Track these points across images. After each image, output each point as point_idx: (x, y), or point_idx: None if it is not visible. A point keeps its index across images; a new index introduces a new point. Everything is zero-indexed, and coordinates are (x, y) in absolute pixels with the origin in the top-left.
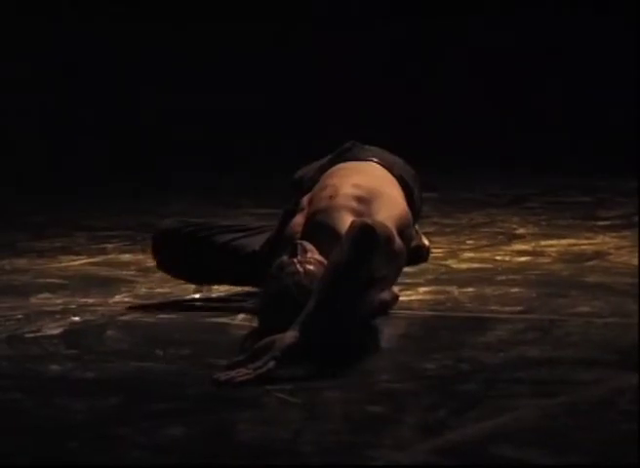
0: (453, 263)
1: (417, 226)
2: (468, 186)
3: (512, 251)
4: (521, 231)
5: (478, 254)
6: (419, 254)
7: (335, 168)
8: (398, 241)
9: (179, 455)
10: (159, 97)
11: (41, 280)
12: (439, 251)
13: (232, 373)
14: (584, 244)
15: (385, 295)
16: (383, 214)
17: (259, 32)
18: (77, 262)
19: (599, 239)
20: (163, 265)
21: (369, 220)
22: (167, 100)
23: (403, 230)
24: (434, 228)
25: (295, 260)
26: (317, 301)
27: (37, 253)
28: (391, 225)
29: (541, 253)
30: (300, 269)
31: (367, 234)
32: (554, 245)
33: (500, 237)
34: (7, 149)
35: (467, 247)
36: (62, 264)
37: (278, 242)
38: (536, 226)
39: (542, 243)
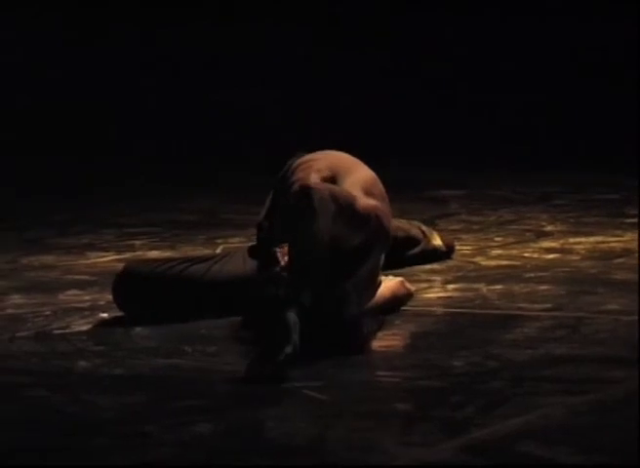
0: (481, 260)
1: (424, 227)
2: (496, 184)
3: (540, 248)
4: (549, 228)
5: (506, 252)
6: (434, 255)
7: (292, 167)
8: (365, 202)
9: (206, 453)
10: (182, 93)
11: (69, 276)
12: (467, 248)
13: (257, 368)
14: (613, 241)
15: (398, 289)
16: (347, 181)
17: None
18: (105, 259)
19: (627, 236)
20: (131, 309)
21: (307, 182)
22: (190, 95)
23: (372, 190)
24: (462, 225)
25: (276, 269)
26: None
27: (65, 249)
28: (356, 188)
29: (570, 251)
30: (285, 273)
31: (302, 197)
32: (582, 242)
33: (529, 234)
34: (31, 146)
35: (495, 244)
36: (90, 261)
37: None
38: (564, 224)
39: (571, 240)
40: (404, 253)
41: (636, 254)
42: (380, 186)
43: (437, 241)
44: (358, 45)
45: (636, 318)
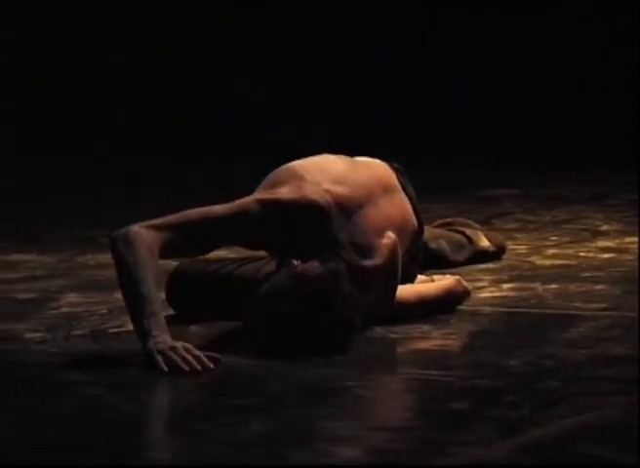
0: (536, 260)
1: (468, 231)
2: (551, 183)
3: (596, 247)
4: (605, 228)
5: (561, 251)
6: (483, 257)
7: None
8: (259, 197)
9: (259, 451)
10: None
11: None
12: (522, 247)
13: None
14: None
15: (454, 288)
16: None
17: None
18: None
19: None
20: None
21: None
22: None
23: (281, 181)
24: (517, 225)
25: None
26: None
27: None
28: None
29: (625, 250)
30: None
31: None
32: (637, 241)
33: (584, 233)
34: (86, 147)
35: (551, 243)
36: None
37: None
38: (619, 223)
39: (626, 239)
40: (448, 260)
41: None
42: (306, 169)
43: (484, 242)
44: (393, 43)
45: None
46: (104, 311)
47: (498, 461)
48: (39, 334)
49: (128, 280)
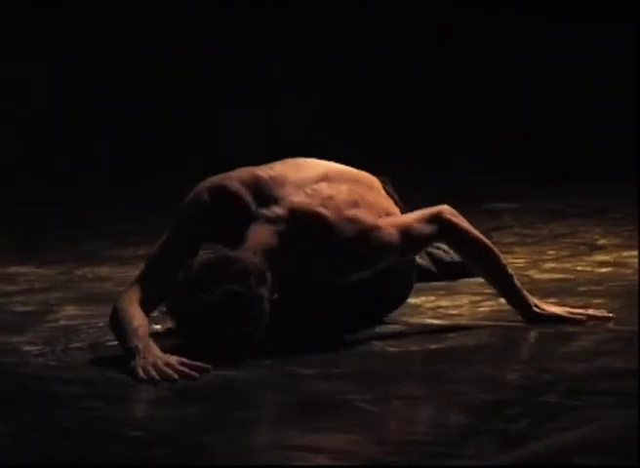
0: (534, 274)
1: (445, 246)
2: (549, 197)
3: (594, 261)
4: (602, 242)
5: (559, 265)
6: (464, 267)
7: None
8: None
9: (260, 465)
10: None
11: (123, 288)
12: (520, 261)
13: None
14: None
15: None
16: None
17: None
18: None
19: None
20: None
21: None
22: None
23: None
24: (515, 238)
25: None
26: None
27: (119, 260)
28: None
29: (624, 265)
30: None
31: None
32: (636, 256)
33: (582, 247)
34: (90, 159)
35: (549, 257)
36: None
37: None
38: (617, 237)
39: (624, 254)
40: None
41: None
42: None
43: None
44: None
45: None
46: (103, 324)
47: None
48: (37, 347)
49: (117, 327)
